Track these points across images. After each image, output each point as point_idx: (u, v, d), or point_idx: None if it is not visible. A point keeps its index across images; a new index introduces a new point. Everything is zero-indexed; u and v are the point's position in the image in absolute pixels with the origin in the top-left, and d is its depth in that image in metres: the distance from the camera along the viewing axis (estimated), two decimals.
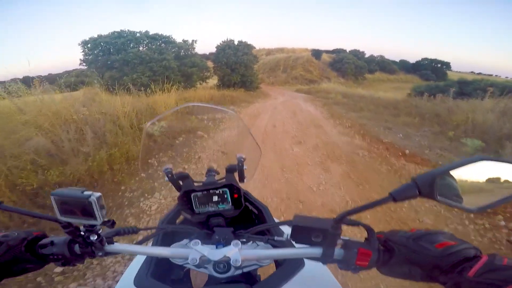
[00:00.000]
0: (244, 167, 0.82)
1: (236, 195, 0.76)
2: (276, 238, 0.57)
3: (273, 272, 0.55)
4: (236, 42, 17.00)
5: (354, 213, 0.41)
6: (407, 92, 22.66)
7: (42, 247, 0.50)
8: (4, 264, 0.46)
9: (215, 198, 0.76)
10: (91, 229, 0.48)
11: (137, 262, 0.68)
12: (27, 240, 0.49)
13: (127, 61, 12.53)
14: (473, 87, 12.65)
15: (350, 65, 33.13)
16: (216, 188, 0.75)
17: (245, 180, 0.84)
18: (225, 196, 0.76)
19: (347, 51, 41.62)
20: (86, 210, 0.44)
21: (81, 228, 0.48)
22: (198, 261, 0.50)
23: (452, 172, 0.38)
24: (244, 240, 0.58)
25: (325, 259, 0.47)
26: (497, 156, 3.58)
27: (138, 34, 14.00)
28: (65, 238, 0.50)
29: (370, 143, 5.15)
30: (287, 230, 0.53)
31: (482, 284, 0.34)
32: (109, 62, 13.63)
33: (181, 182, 0.79)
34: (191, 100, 7.06)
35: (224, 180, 0.80)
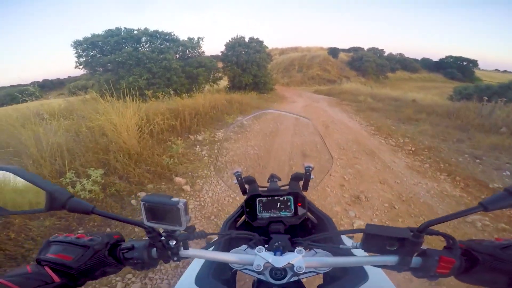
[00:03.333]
0: (311, 177, 0.81)
1: (300, 204, 0.77)
2: (341, 246, 0.54)
3: (336, 282, 0.55)
4: (247, 39, 15.08)
5: (437, 223, 0.42)
6: (434, 91, 20.58)
7: (124, 251, 0.50)
8: (90, 267, 0.47)
9: (279, 205, 0.77)
10: (171, 234, 0.48)
11: (197, 263, 0.69)
12: (110, 244, 0.50)
13: (122, 62, 10.83)
14: None
15: (371, 64, 30.74)
16: (281, 195, 0.77)
17: (308, 188, 0.83)
18: (289, 203, 0.77)
19: (365, 49, 39.13)
20: (171, 216, 0.45)
21: (162, 233, 0.49)
22: (262, 267, 0.49)
23: None
24: (304, 247, 0.55)
25: (401, 267, 0.46)
26: None
27: (135, 32, 12.22)
28: (145, 243, 0.50)
29: (469, 191, 3.09)
30: (348, 242, 0.54)
31: None
32: (108, 64, 12.05)
33: (247, 186, 0.82)
34: (166, 113, 4.83)
35: (288, 187, 0.80)
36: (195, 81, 12.19)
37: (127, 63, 10.71)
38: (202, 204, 2.70)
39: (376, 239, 0.45)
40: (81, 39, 12.20)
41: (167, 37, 12.69)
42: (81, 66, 12.67)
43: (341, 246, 0.54)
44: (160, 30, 12.65)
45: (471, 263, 0.43)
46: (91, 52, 12.25)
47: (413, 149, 4.56)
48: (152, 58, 10.93)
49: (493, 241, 0.44)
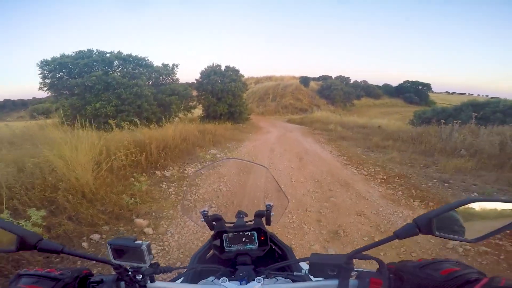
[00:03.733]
0: (271, 214, 0.87)
1: (262, 237, 0.82)
2: (295, 273, 0.62)
3: None
4: (223, 68, 15.29)
5: (363, 250, 0.49)
6: (396, 116, 22.04)
7: (93, 285, 0.53)
8: None
9: (244, 239, 0.82)
10: (137, 269, 0.52)
11: None
12: (79, 278, 0.52)
13: (90, 87, 10.30)
14: (490, 110, 11.05)
15: (339, 92, 32.57)
16: (246, 231, 0.82)
17: (271, 223, 0.90)
18: (253, 237, 0.82)
19: (333, 77, 41.34)
20: (136, 255, 0.50)
21: (129, 268, 0.52)
22: None
23: (448, 213, 0.45)
24: (265, 276, 0.61)
25: None
26: None
27: (107, 55, 11.83)
28: (113, 277, 0.53)
29: None
30: (306, 267, 0.58)
31: None
32: (75, 87, 11.31)
33: (214, 223, 0.86)
34: (130, 146, 4.19)
35: (252, 223, 0.86)
36: (167, 109, 11.81)
37: (96, 87, 10.18)
38: (167, 249, 2.39)
39: (319, 266, 0.51)
40: (49, 59, 11.49)
41: (141, 62, 12.44)
42: (45, 88, 11.79)
43: (295, 273, 0.61)
44: (134, 54, 12.36)
45: (399, 282, 0.47)
46: (58, 73, 11.49)
47: (384, 177, 4.66)
48: (122, 83, 10.49)
49: (415, 262, 0.48)
